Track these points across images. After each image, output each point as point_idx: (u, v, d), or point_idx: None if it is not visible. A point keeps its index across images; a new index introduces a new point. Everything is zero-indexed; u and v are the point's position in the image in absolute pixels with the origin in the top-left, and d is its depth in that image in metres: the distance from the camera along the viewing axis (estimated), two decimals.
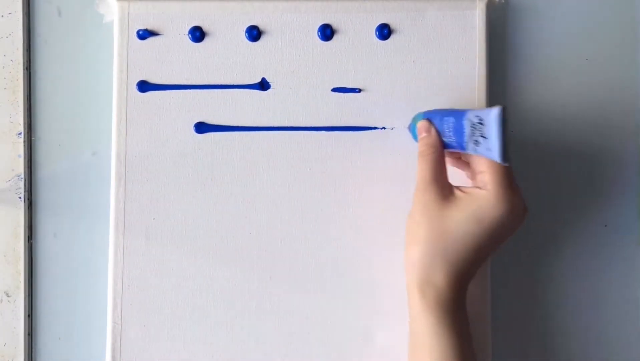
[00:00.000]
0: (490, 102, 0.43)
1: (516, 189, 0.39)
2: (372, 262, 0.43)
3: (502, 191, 0.38)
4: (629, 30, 0.45)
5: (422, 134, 0.40)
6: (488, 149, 0.37)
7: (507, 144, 0.36)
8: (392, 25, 0.43)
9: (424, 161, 0.40)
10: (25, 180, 0.44)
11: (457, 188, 0.39)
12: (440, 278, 0.38)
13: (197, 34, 0.43)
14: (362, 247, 0.43)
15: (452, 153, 0.41)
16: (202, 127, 0.43)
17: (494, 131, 0.36)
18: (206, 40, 0.43)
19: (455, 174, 0.41)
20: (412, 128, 0.41)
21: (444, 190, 0.39)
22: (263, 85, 0.43)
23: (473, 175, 0.40)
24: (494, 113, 0.36)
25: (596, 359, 0.45)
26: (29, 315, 0.44)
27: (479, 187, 0.39)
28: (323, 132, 0.43)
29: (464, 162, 0.42)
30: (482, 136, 0.37)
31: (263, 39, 0.43)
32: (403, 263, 0.40)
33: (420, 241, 0.38)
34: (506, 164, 0.37)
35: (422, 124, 0.40)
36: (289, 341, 0.43)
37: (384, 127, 0.43)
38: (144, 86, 0.43)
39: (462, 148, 0.38)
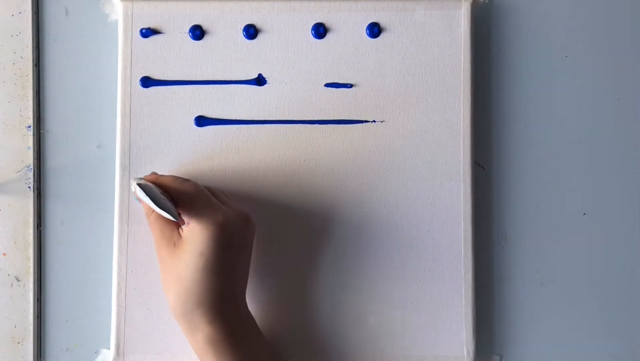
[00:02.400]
0: (475, 96, 0.44)
1: (214, 207, 0.39)
2: (363, 250, 0.44)
3: (198, 220, 0.38)
4: (607, 28, 0.46)
5: (140, 203, 0.41)
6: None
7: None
8: (382, 24, 0.44)
9: (149, 222, 0.41)
10: (34, 171, 0.45)
11: (182, 229, 0.39)
12: (202, 322, 0.38)
13: (197, 32, 0.44)
14: (352, 235, 0.44)
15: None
16: (202, 121, 0.44)
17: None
18: (206, 38, 0.44)
19: None
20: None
21: (172, 239, 0.39)
22: (259, 81, 0.44)
23: None
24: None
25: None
26: (37, 299, 0.45)
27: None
28: (317, 125, 0.44)
29: None
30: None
31: (260, 37, 0.44)
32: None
33: (171, 293, 0.39)
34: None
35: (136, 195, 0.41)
36: (279, 324, 0.44)
37: (374, 121, 0.44)
38: (146, 82, 0.44)
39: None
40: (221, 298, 0.39)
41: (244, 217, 0.41)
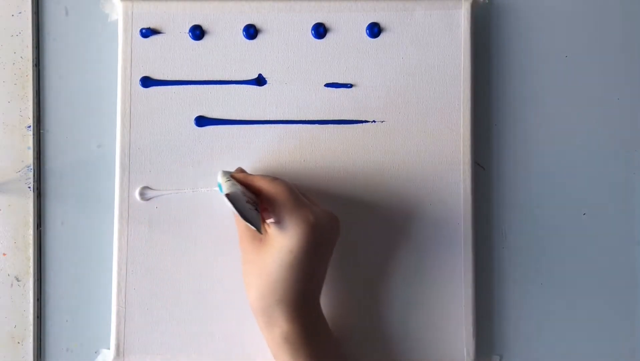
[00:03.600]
0: (475, 96, 0.44)
1: (305, 207, 0.39)
2: (362, 250, 0.44)
3: (289, 219, 0.38)
4: (607, 28, 0.46)
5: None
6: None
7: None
8: (382, 24, 0.44)
9: (234, 216, 0.41)
10: (34, 171, 0.45)
11: (269, 225, 0.39)
12: (281, 318, 0.39)
13: (197, 32, 0.44)
14: (352, 235, 0.44)
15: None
16: (201, 121, 0.44)
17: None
18: (206, 38, 0.44)
19: None
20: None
21: (258, 234, 0.40)
22: (259, 81, 0.44)
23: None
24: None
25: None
26: (37, 299, 0.45)
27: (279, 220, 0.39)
28: (316, 125, 0.44)
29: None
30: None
31: (259, 37, 0.44)
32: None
33: (252, 287, 0.39)
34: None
35: None
36: None
37: (374, 121, 0.44)
38: (146, 82, 0.44)
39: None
40: (303, 297, 0.39)
41: (332, 219, 0.41)
